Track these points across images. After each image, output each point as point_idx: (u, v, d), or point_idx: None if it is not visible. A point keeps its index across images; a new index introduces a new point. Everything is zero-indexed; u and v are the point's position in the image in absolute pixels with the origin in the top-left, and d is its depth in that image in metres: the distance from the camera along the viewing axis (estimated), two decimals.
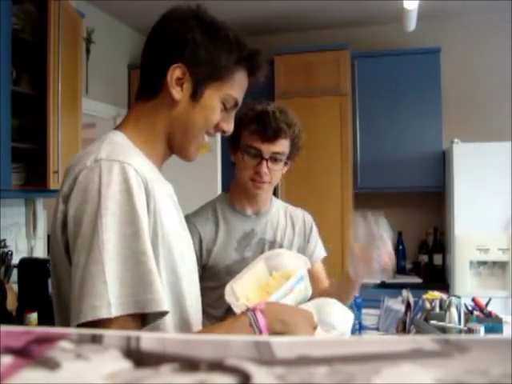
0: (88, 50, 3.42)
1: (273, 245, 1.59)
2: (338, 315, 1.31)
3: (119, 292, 0.77)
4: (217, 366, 0.25)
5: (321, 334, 1.16)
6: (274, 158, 1.48)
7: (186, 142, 0.98)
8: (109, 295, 0.76)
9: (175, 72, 0.93)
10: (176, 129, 0.97)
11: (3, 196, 2.42)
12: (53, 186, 2.53)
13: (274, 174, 1.50)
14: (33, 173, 2.59)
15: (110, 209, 0.79)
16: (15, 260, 2.60)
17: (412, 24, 3.20)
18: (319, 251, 1.73)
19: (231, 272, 1.50)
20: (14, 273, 2.57)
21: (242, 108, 1.49)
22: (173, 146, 0.99)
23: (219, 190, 3.60)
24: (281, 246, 1.60)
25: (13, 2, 2.38)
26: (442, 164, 3.62)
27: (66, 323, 0.88)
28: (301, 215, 1.69)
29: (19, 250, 2.83)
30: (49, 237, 3.12)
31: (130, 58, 4.07)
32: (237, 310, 1.16)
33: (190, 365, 0.25)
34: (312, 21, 3.95)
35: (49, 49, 2.50)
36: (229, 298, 1.23)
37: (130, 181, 0.82)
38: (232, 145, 1.53)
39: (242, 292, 1.27)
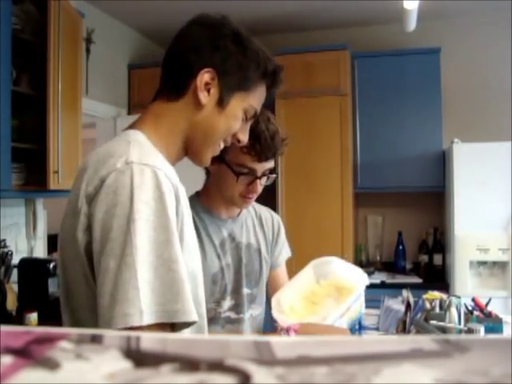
0: (88, 50, 3.42)
1: (248, 247, 1.53)
2: (340, 271, 1.25)
3: (151, 300, 0.76)
4: (217, 366, 0.25)
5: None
6: (265, 174, 1.43)
7: (204, 147, 0.98)
8: (141, 303, 0.74)
9: (204, 76, 0.93)
10: (197, 133, 0.96)
11: (3, 196, 2.42)
12: (53, 185, 2.53)
13: (262, 186, 1.45)
14: (33, 173, 2.59)
15: (143, 214, 0.77)
16: (15, 260, 2.60)
17: (412, 24, 3.20)
18: (285, 252, 1.67)
19: (216, 280, 1.45)
20: (14, 273, 2.57)
21: None
22: (189, 149, 0.99)
23: None
24: (255, 248, 1.55)
25: (13, 1, 2.38)
26: (442, 164, 3.62)
27: (77, 323, 0.88)
28: (269, 215, 1.64)
29: (19, 250, 2.83)
30: (49, 237, 3.15)
31: (129, 58, 4.07)
32: (281, 324, 1.12)
33: (190, 365, 0.25)
34: (312, 21, 3.95)
35: (49, 49, 2.50)
36: (275, 312, 1.18)
37: (163, 187, 0.80)
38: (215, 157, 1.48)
39: (287, 303, 1.23)
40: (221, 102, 0.95)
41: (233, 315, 1.49)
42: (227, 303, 1.47)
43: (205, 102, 0.94)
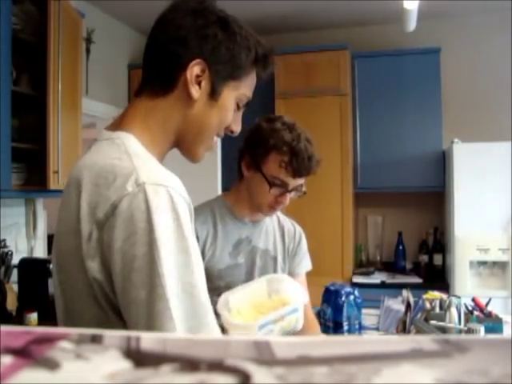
0: (88, 50, 3.42)
1: (264, 253, 1.60)
2: (290, 290, 1.33)
3: (182, 328, 0.74)
4: (217, 366, 0.25)
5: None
6: (296, 189, 1.52)
7: (197, 143, 0.93)
8: (177, 333, 0.72)
9: (194, 69, 0.86)
10: (190, 128, 0.90)
11: (3, 196, 2.42)
12: (53, 185, 2.53)
13: (289, 199, 1.54)
14: (33, 173, 2.59)
15: (165, 240, 0.74)
16: (15, 260, 2.60)
17: (412, 24, 3.20)
18: (305, 264, 1.72)
19: (223, 276, 1.52)
20: (14, 273, 2.57)
21: (267, 131, 1.48)
22: (182, 146, 0.93)
23: (219, 190, 3.60)
24: (272, 256, 1.62)
25: (13, 1, 2.38)
26: (442, 164, 3.62)
27: None
28: (292, 228, 1.70)
29: (19, 250, 2.83)
30: (49, 237, 3.15)
31: (130, 58, 4.07)
32: (224, 322, 1.17)
33: (190, 365, 0.25)
34: (312, 21, 3.95)
35: (49, 49, 2.50)
36: (221, 308, 1.22)
37: (179, 209, 0.76)
38: (252, 163, 1.50)
39: (235, 305, 1.27)
40: (213, 95, 0.89)
41: None
42: None
43: (196, 96, 0.87)
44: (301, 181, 1.51)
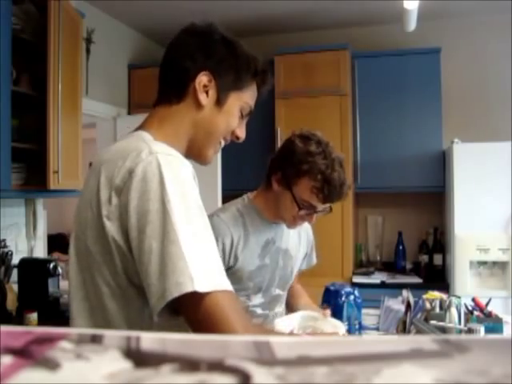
0: (88, 50, 3.42)
1: (285, 253, 1.65)
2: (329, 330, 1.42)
3: (199, 268, 0.80)
4: (217, 366, 0.25)
5: None
6: (323, 210, 1.55)
7: (207, 146, 1.05)
8: (190, 271, 0.78)
9: (202, 79, 1.01)
10: (199, 132, 1.03)
11: (3, 196, 2.42)
12: (53, 186, 2.53)
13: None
14: (33, 173, 2.59)
15: (176, 195, 0.83)
16: (15, 260, 2.60)
17: (412, 24, 3.20)
18: (314, 258, 1.85)
19: (252, 277, 1.56)
20: (14, 273, 2.57)
21: (301, 154, 1.49)
22: (192, 149, 1.05)
23: (219, 190, 3.60)
24: (290, 255, 1.68)
25: (13, 1, 2.38)
26: (442, 164, 3.62)
27: (96, 316, 0.92)
28: (304, 224, 1.71)
29: (19, 250, 2.83)
30: (49, 237, 3.14)
31: (130, 58, 4.07)
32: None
33: (190, 365, 0.25)
34: (312, 21, 3.95)
35: (49, 49, 2.50)
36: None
37: (188, 172, 0.89)
38: (283, 181, 1.52)
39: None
40: (219, 102, 1.03)
41: (259, 311, 1.60)
42: (258, 300, 1.59)
43: (205, 103, 1.01)
44: (329, 204, 1.53)
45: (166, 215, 0.81)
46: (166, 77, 1.06)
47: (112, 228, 0.86)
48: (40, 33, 2.52)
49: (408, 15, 3.06)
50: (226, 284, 0.84)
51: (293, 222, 1.56)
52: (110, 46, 3.77)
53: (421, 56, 3.68)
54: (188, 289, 0.77)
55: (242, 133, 1.10)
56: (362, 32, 4.02)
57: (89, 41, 3.42)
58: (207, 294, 0.79)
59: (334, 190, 1.46)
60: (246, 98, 1.07)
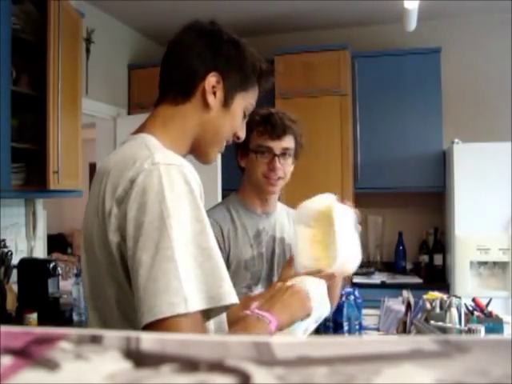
0: (88, 50, 3.42)
1: (281, 241, 1.69)
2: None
3: (193, 288, 0.79)
4: (217, 367, 0.25)
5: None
6: (284, 154, 1.59)
7: (212, 146, 1.05)
8: (184, 291, 0.77)
9: (211, 80, 0.99)
10: (206, 133, 1.02)
11: (3, 196, 2.42)
12: (53, 186, 2.53)
13: (285, 168, 1.61)
14: (33, 173, 2.59)
15: (178, 208, 0.82)
16: (15, 260, 2.60)
17: (412, 24, 3.20)
18: None
19: (248, 266, 1.61)
20: (14, 273, 2.57)
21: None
22: (196, 149, 1.04)
23: (219, 190, 3.60)
24: (287, 243, 1.70)
25: (13, 1, 2.38)
26: (442, 164, 3.62)
27: (105, 324, 0.92)
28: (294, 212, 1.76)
29: (19, 250, 2.83)
30: (49, 237, 3.14)
31: (130, 58, 4.07)
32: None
33: (190, 365, 0.25)
34: (312, 21, 3.95)
35: (49, 49, 2.50)
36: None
37: (191, 183, 0.86)
38: (241, 150, 1.63)
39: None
40: (226, 103, 1.02)
41: None
42: (259, 289, 1.61)
43: (213, 105, 1.00)
44: (284, 143, 1.58)
45: (165, 231, 0.79)
46: (170, 76, 1.04)
47: (114, 238, 0.86)
48: (40, 33, 2.52)
49: (408, 15, 3.06)
50: (229, 295, 0.83)
51: (266, 180, 1.59)
52: (109, 46, 3.78)
53: (421, 56, 3.68)
54: (181, 310, 0.76)
55: (243, 133, 1.10)
56: (361, 32, 4.02)
57: (89, 41, 3.42)
58: (191, 313, 0.78)
59: (275, 122, 1.56)
60: (250, 98, 1.07)
